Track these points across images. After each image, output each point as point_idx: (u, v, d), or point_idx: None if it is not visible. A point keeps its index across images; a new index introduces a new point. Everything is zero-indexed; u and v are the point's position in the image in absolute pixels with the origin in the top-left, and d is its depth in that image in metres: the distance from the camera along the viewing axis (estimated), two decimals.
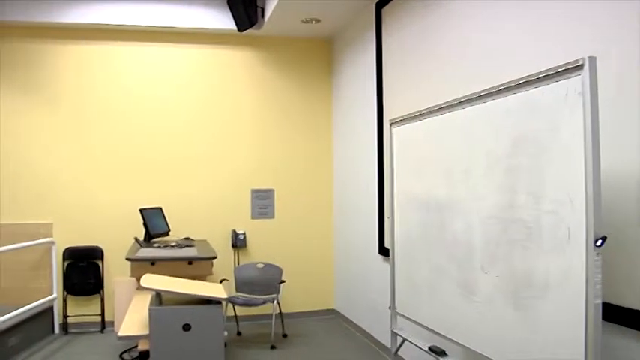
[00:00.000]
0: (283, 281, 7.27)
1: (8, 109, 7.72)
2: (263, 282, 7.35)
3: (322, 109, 8.44)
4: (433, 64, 5.26)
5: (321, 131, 8.43)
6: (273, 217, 8.22)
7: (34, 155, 7.73)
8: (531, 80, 3.01)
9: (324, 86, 8.45)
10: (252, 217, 8.17)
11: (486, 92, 3.44)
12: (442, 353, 4.14)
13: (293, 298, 8.07)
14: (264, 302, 7.02)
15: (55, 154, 7.77)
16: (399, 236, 4.82)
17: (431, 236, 4.18)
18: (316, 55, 8.45)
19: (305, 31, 8.02)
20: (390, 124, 4.96)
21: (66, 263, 7.74)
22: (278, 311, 7.09)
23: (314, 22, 7.60)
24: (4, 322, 6.39)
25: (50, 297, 7.52)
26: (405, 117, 4.68)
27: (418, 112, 4.41)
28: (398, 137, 4.84)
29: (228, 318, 7.36)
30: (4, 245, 6.71)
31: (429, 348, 4.25)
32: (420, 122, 4.41)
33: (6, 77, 7.73)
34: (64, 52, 7.84)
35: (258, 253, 8.04)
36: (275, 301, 7.00)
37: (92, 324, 7.79)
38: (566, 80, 2.76)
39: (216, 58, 8.16)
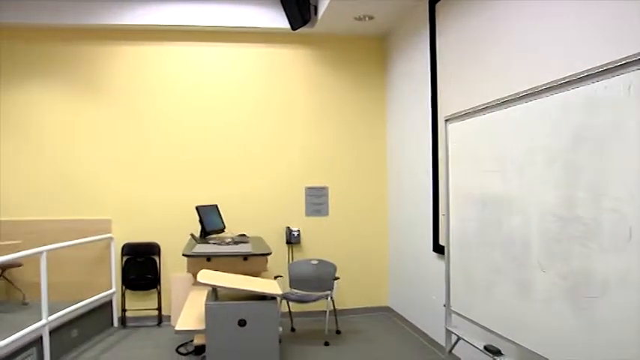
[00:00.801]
0: (337, 278, 7.28)
1: (69, 109, 7.97)
2: (317, 279, 7.37)
3: (376, 106, 8.41)
4: (489, 59, 5.18)
5: (374, 128, 8.40)
6: (327, 214, 8.24)
7: (93, 154, 7.96)
8: (592, 74, 2.95)
9: (378, 83, 8.42)
10: (307, 215, 8.20)
11: (545, 87, 3.37)
12: (498, 353, 4.09)
13: (347, 294, 8.08)
14: (318, 299, 7.04)
15: (114, 153, 7.97)
16: (454, 233, 4.77)
17: (487, 233, 4.13)
18: (369, 52, 8.42)
19: (358, 29, 8.01)
20: (445, 121, 4.92)
21: (124, 259, 7.93)
22: (332, 308, 7.10)
23: (367, 19, 7.57)
24: (66, 315, 6.59)
25: (109, 291, 7.71)
26: (460, 113, 4.63)
27: (474, 108, 4.36)
28: (453, 134, 4.80)
29: (283, 314, 7.41)
30: (65, 241, 6.89)
31: (485, 347, 4.20)
32: (475, 118, 4.35)
33: (65, 79, 7.97)
34: (119, 54, 8.04)
35: (312, 249, 8.08)
36: (329, 298, 7.01)
37: (149, 318, 7.95)
38: (629, 74, 2.69)
39: (269, 57, 8.22)
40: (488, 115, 4.14)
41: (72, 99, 7.99)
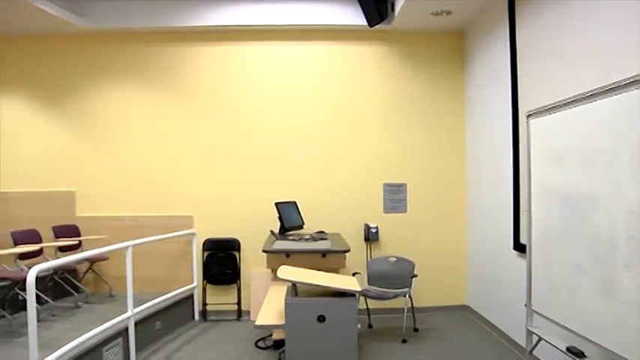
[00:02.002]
0: (415, 275, 7.24)
1: (152, 109, 8.27)
2: (395, 276, 7.35)
3: (454, 103, 8.30)
4: (572, 52, 5.04)
5: (453, 124, 8.30)
6: (405, 211, 8.20)
7: (176, 153, 8.22)
8: None
9: (456, 79, 8.31)
10: (385, 211, 8.19)
11: (634, 80, 3.26)
12: (580, 355, 3.98)
13: (425, 292, 8.02)
14: (396, 296, 7.03)
15: (196, 152, 8.20)
16: (536, 231, 4.68)
17: (570, 231, 4.03)
18: (447, 47, 8.32)
19: (435, 24, 7.92)
20: (527, 116, 4.83)
21: (205, 254, 8.13)
22: (410, 305, 7.06)
23: (445, 14, 7.49)
24: (150, 307, 6.80)
25: (191, 285, 7.92)
26: (543, 108, 4.53)
27: (558, 102, 4.26)
28: (535, 129, 4.70)
29: (360, 311, 7.42)
30: (149, 236, 7.12)
31: (567, 349, 4.10)
32: (559, 113, 4.25)
33: (149, 80, 8.27)
34: (199, 55, 8.29)
35: (391, 246, 8.06)
36: (407, 296, 6.99)
37: (229, 312, 8.12)
38: None
39: (345, 55, 8.25)
40: (572, 109, 4.04)
41: (154, 99, 8.27)
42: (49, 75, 8.42)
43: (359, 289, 4.78)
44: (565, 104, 4.15)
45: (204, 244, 8.17)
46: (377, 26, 7.80)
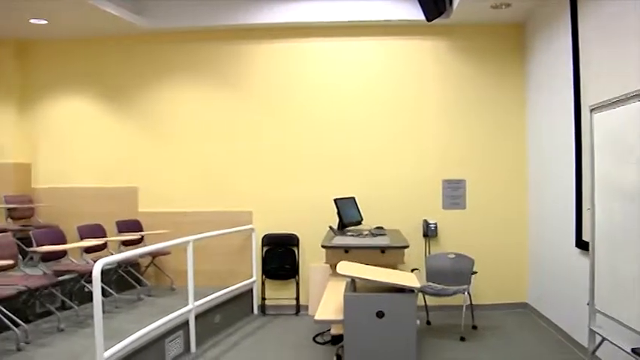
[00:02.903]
0: (475, 272, 7.16)
1: (212, 106, 8.45)
2: (454, 272, 7.27)
3: (514, 97, 8.16)
4: (633, 46, 4.89)
5: (512, 119, 8.16)
6: (464, 207, 8.12)
7: (235, 149, 8.36)
8: None
9: (516, 73, 8.16)
10: (444, 207, 8.13)
11: None
12: None
13: (484, 289, 7.92)
14: (454, 293, 6.97)
15: (255, 148, 8.33)
16: (600, 228, 4.58)
17: (636, 229, 3.93)
18: (506, 41, 8.17)
19: (494, 17, 7.80)
20: (590, 110, 4.72)
21: (264, 249, 8.23)
22: (468, 302, 6.99)
23: (504, 6, 7.36)
24: (210, 300, 6.93)
25: (250, 280, 8.03)
26: (607, 102, 4.43)
27: (623, 95, 4.15)
28: (599, 123, 4.60)
29: (418, 307, 7.36)
30: (209, 231, 7.24)
31: (632, 350, 4.00)
32: (624, 107, 4.14)
33: (209, 77, 8.46)
34: (258, 52, 8.41)
35: (450, 243, 7.99)
36: (466, 292, 6.92)
37: (287, 307, 8.21)
38: None
39: (403, 49, 8.22)
40: (638, 102, 3.93)
41: (215, 97, 8.42)
42: (113, 75, 8.67)
43: (418, 286, 4.76)
44: (631, 97, 4.03)
45: (263, 239, 8.27)
46: (435, 20, 7.73)
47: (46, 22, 7.95)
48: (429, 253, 7.94)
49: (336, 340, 6.22)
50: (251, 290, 8.14)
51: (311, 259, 8.08)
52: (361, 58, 8.26)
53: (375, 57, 8.24)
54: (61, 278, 6.40)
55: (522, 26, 8.10)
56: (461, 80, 8.17)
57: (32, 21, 7.89)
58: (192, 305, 6.35)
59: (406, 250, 6.28)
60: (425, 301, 7.46)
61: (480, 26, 8.10)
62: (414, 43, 8.21)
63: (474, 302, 7.21)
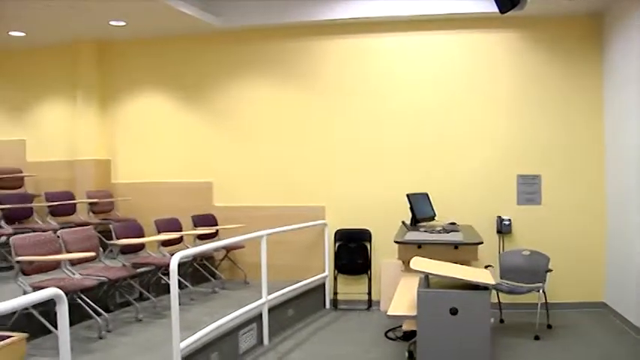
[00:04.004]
0: (550, 270, 7.00)
1: (283, 103, 8.59)
2: (528, 270, 7.13)
3: (590, 90, 7.92)
4: None
5: (589, 113, 7.93)
6: (539, 203, 7.96)
7: (307, 144, 8.44)
8: None
9: (592, 65, 7.92)
10: (518, 203, 7.98)
11: None
12: None
13: (559, 288, 7.72)
14: (529, 291, 6.85)
15: (327, 143, 8.40)
16: None
17: None
18: (583, 32, 7.94)
19: (571, 8, 7.57)
20: None
21: (337, 244, 8.30)
22: (543, 301, 6.83)
23: None
24: (283, 294, 7.02)
25: (322, 275, 8.11)
26: None
27: None
28: None
29: (492, 305, 7.27)
30: (283, 226, 7.33)
31: None
32: None
33: (278, 74, 8.62)
34: (327, 48, 8.48)
35: (524, 240, 7.83)
36: (540, 291, 6.78)
37: (359, 302, 8.25)
38: None
39: (474, 43, 8.13)
40: None
41: (287, 93, 8.55)
42: (189, 73, 8.91)
43: (493, 283, 4.70)
44: None
45: (335, 234, 8.33)
46: (508, 13, 7.57)
47: (124, 23, 8.21)
48: (503, 249, 7.82)
49: (408, 336, 6.21)
50: (323, 285, 8.21)
51: (383, 254, 8.08)
52: (432, 53, 8.20)
53: (446, 51, 8.17)
54: (139, 270, 6.62)
55: (600, 17, 7.85)
56: (536, 73, 7.99)
57: (111, 23, 8.17)
58: (266, 299, 6.44)
59: (479, 247, 6.21)
60: (498, 299, 7.34)
61: (554, 17, 7.89)
62: (486, 36, 8.09)
63: (549, 300, 7.04)
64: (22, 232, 6.05)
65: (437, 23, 8.10)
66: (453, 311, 4.55)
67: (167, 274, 5.22)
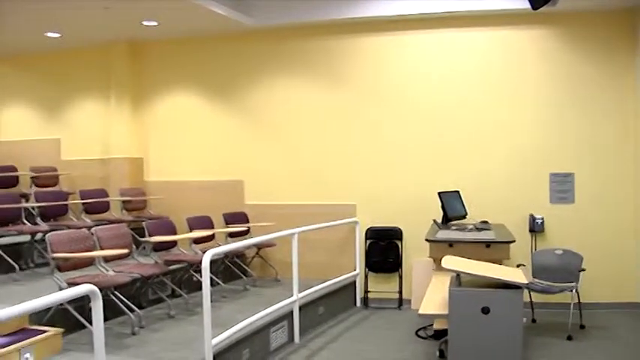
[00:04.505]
0: (583, 270, 6.91)
1: (313, 101, 8.61)
2: (561, 269, 7.06)
3: (624, 87, 7.79)
4: None
5: (622, 110, 7.79)
6: (572, 201, 7.86)
7: (339, 142, 8.46)
8: None
9: (625, 61, 7.78)
10: (551, 202, 7.89)
11: None
12: None
13: (593, 287, 7.60)
14: (562, 290, 6.78)
15: (358, 141, 8.41)
16: None
17: None
18: (616, 28, 7.80)
19: (604, 3, 7.49)
20: None
21: (368, 242, 8.29)
22: (576, 301, 6.75)
23: None
24: (314, 292, 7.04)
25: (353, 273, 8.11)
26: None
27: None
28: None
29: (524, 304, 7.21)
30: (314, 224, 7.34)
31: None
32: None
33: (309, 72, 8.63)
34: (358, 46, 8.45)
35: (557, 239, 7.74)
36: (574, 290, 6.70)
37: (390, 300, 8.25)
38: None
39: (506, 39, 8.04)
40: None
41: (317, 91, 8.57)
42: (220, 72, 8.99)
43: (525, 282, 4.66)
44: None
45: (366, 232, 8.33)
46: (541, 9, 7.49)
47: (156, 23, 8.31)
48: (535, 248, 7.74)
49: (439, 334, 6.20)
50: (354, 283, 8.21)
51: (414, 252, 8.06)
52: (463, 50, 8.14)
53: (478, 48, 8.10)
54: (171, 267, 6.72)
55: (634, 12, 7.71)
56: (567, 70, 7.88)
57: (144, 23, 8.26)
58: (297, 296, 6.47)
59: (511, 246, 6.17)
60: (530, 298, 7.28)
61: (587, 13, 7.77)
62: (517, 32, 7.99)
63: (582, 300, 6.95)
64: (58, 229, 6.15)
65: (468, 20, 8.04)
66: (485, 310, 4.53)
67: (199, 271, 5.27)
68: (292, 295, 6.45)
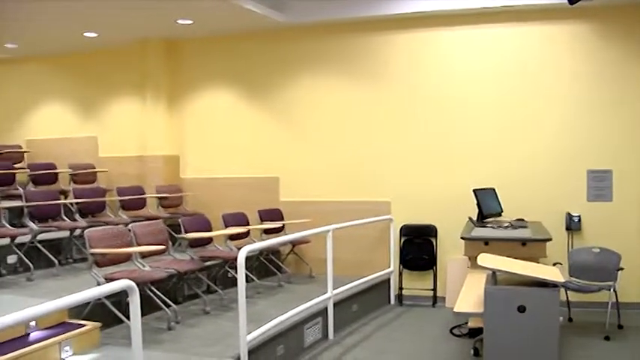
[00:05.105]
0: (621, 269, 6.80)
1: (348, 98, 8.61)
2: (598, 268, 6.95)
3: None
4: None
5: None
6: (610, 199, 7.73)
7: (373, 139, 8.46)
8: None
9: None
10: (588, 200, 7.77)
11: None
12: None
13: (631, 287, 7.48)
14: (599, 289, 6.69)
15: (393, 138, 8.40)
16: None
17: None
18: None
19: None
20: None
21: (402, 239, 8.28)
22: (614, 300, 6.65)
23: None
24: (348, 289, 7.06)
25: (387, 270, 8.11)
26: None
27: None
28: None
29: (560, 303, 7.13)
30: (348, 221, 7.35)
31: None
32: None
33: (344, 69, 8.64)
34: (394, 42, 8.43)
35: (594, 237, 7.61)
36: (612, 290, 6.60)
37: (424, 298, 8.22)
38: None
39: (543, 35, 7.92)
40: None
41: (352, 87, 8.59)
42: (255, 69, 9.06)
43: (562, 280, 4.62)
44: None
45: (401, 229, 8.31)
46: (578, 3, 7.37)
47: (191, 22, 8.39)
48: (572, 247, 7.64)
49: (474, 333, 6.17)
50: (388, 280, 8.20)
51: (449, 250, 8.02)
52: (499, 45, 8.04)
53: (514, 43, 8.00)
54: (207, 263, 6.77)
55: None
56: (605, 65, 7.73)
57: (179, 21, 8.35)
58: (331, 293, 6.49)
59: (548, 244, 6.10)
60: (567, 297, 7.18)
61: (626, 6, 7.61)
62: (555, 27, 7.86)
63: (620, 300, 6.85)
64: (96, 226, 6.26)
65: (504, 15, 7.94)
66: (521, 309, 4.50)
67: (234, 267, 5.33)
68: (327, 292, 6.46)
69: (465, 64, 8.14)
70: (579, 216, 7.69)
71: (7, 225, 7.04)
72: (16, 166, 9.52)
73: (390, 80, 8.40)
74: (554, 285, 4.54)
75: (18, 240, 6.87)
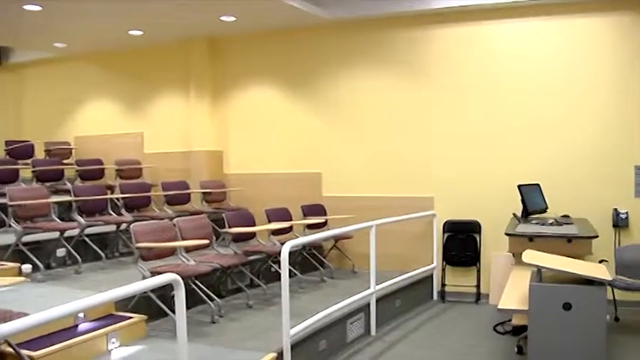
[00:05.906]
0: None
1: (392, 93, 8.58)
2: None
3: None
4: None
5: None
6: None
7: (417, 134, 8.42)
8: None
9: None
10: (636, 196, 7.60)
11: None
12: None
13: None
14: None
15: (436, 133, 8.33)
16: None
17: None
18: None
19: None
20: None
21: (445, 235, 8.23)
22: None
23: None
24: (391, 285, 7.06)
25: (430, 266, 8.07)
26: None
27: None
28: None
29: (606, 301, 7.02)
30: (391, 216, 7.34)
31: None
32: None
33: (387, 64, 8.60)
34: (436, 36, 8.36)
35: None
36: None
37: (467, 294, 8.16)
38: None
39: (587, 26, 7.71)
40: None
41: (394, 83, 8.56)
42: (297, 65, 9.11)
43: (609, 278, 4.55)
44: None
45: (444, 225, 8.26)
46: None
47: (234, 18, 8.45)
48: (619, 244, 7.49)
49: (518, 330, 6.11)
50: (431, 276, 8.17)
51: (492, 246, 7.93)
52: (541, 39, 7.88)
53: (557, 36, 7.82)
54: (250, 258, 6.83)
55: None
56: None
57: (222, 18, 8.42)
58: (374, 289, 6.49)
59: (593, 241, 6.01)
60: (614, 296, 7.03)
61: None
62: (598, 19, 7.66)
63: None
64: (141, 220, 6.37)
65: (547, 8, 7.79)
66: (567, 307, 4.45)
67: (277, 262, 5.37)
68: (369, 288, 6.46)
69: (508, 58, 8.01)
70: (626, 213, 7.52)
71: (57, 219, 7.21)
72: (64, 162, 9.75)
73: (433, 75, 8.33)
74: (600, 282, 4.47)
75: (67, 234, 7.01)
